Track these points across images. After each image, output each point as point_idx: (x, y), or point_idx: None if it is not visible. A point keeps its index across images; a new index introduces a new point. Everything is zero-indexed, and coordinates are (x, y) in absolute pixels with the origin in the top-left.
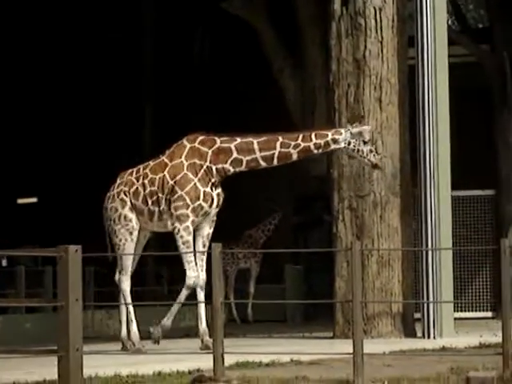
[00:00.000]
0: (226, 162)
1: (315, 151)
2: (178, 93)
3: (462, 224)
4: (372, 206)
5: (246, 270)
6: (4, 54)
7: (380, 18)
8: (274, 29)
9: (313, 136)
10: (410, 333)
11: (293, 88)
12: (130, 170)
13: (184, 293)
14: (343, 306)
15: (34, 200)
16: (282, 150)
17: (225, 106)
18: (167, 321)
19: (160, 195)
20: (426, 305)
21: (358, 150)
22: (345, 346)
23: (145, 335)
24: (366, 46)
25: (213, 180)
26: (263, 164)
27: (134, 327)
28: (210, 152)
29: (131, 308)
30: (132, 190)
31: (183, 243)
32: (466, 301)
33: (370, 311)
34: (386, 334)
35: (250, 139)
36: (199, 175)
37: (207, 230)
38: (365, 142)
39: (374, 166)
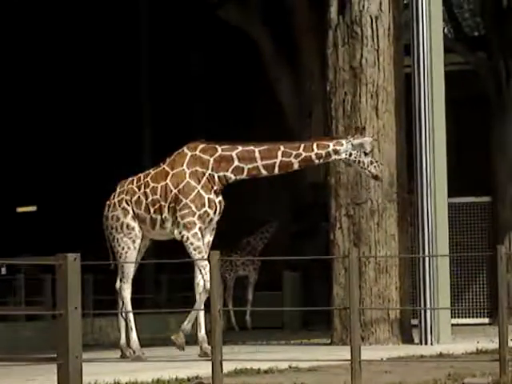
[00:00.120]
0: (227, 170)
1: (316, 161)
2: (175, 99)
3: (459, 231)
4: (369, 214)
5: (244, 278)
6: (2, 58)
7: (376, 26)
8: (270, 37)
9: (314, 146)
10: (407, 339)
11: (289, 96)
12: (131, 179)
13: (202, 297)
14: (341, 312)
15: (33, 209)
16: (284, 159)
17: (223, 112)
18: (187, 325)
19: (163, 203)
20: (423, 311)
21: (359, 162)
22: (343, 353)
23: (144, 343)
24: (362, 55)
25: (215, 188)
26: (264, 172)
27: (133, 335)
28: (211, 160)
29: (131, 316)
30: (134, 199)
31: (194, 249)
32: (463, 307)
33: (368, 318)
34: (384, 340)
35: (252, 147)
36: (202, 182)
37: (208, 237)
38: (366, 154)
39: (375, 178)
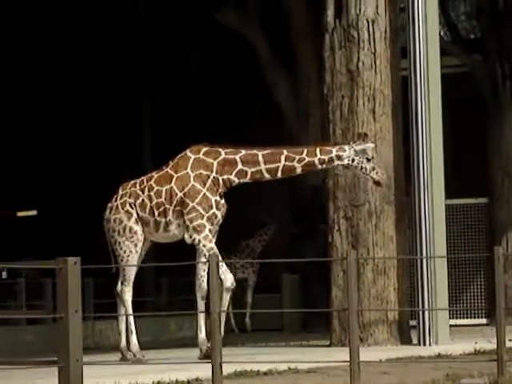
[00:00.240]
0: (231, 174)
1: (319, 166)
2: (175, 100)
3: (456, 232)
4: (367, 216)
5: (243, 280)
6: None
7: (373, 29)
8: (267, 41)
9: (317, 151)
10: (405, 340)
11: (287, 100)
12: (133, 182)
13: (225, 297)
14: (339, 314)
15: (33, 213)
16: (287, 163)
17: (222, 113)
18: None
19: (167, 206)
20: (421, 312)
21: (362, 168)
22: (341, 354)
23: (144, 346)
24: (359, 58)
25: (219, 190)
26: (267, 176)
27: (133, 338)
28: (215, 163)
29: (131, 319)
30: (138, 202)
31: (208, 250)
32: (461, 308)
33: (366, 319)
34: (382, 341)
35: (255, 151)
36: (207, 185)
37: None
38: (368, 160)
39: (377, 184)
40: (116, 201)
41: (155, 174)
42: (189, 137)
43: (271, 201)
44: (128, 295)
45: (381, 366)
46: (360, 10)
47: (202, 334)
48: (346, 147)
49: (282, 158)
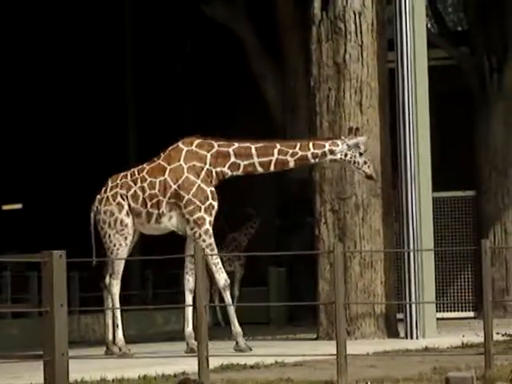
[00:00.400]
0: (224, 166)
1: (312, 160)
2: (160, 95)
3: (444, 225)
4: (354, 209)
5: (230, 273)
6: None
7: (360, 22)
8: (255, 34)
9: (310, 145)
10: (393, 333)
11: (274, 93)
12: (124, 173)
13: (226, 295)
14: (326, 307)
15: (18, 206)
16: (280, 157)
17: (208, 108)
18: (235, 328)
19: (161, 198)
20: (408, 305)
21: (355, 162)
22: (328, 348)
23: (130, 339)
24: (346, 50)
25: (213, 183)
26: (260, 170)
27: (119, 333)
28: (208, 155)
29: (118, 313)
30: (130, 193)
31: (207, 246)
32: (448, 301)
33: (353, 312)
34: (370, 334)
35: (248, 144)
36: (201, 177)
37: None
38: (360, 154)
39: (369, 177)
40: (106, 192)
41: (147, 166)
42: (175, 131)
43: (257, 194)
44: (116, 288)
45: (368, 360)
46: (347, 2)
47: (189, 328)
48: (339, 141)
49: (275, 151)
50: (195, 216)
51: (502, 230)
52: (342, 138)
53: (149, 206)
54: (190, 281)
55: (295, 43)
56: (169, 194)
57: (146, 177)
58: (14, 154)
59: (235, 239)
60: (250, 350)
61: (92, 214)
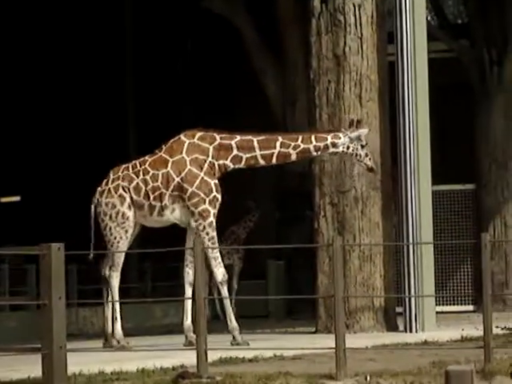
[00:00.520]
0: (226, 159)
1: (314, 153)
2: (161, 93)
3: (443, 218)
4: (353, 202)
5: (229, 266)
6: None
7: (359, 14)
8: (254, 27)
9: (312, 138)
10: (392, 327)
11: (274, 86)
12: (125, 166)
13: (223, 290)
14: (325, 301)
15: (17, 199)
16: (282, 149)
17: (208, 101)
18: (232, 323)
19: (163, 191)
20: (407, 299)
21: (356, 155)
22: (327, 341)
23: (129, 332)
24: (345, 43)
25: (216, 175)
26: (262, 162)
27: (118, 325)
28: (211, 148)
29: (117, 306)
30: (132, 185)
31: (209, 239)
32: (448, 295)
33: (353, 306)
34: (369, 328)
35: (250, 137)
36: (204, 169)
37: None
38: (362, 146)
39: (370, 170)
40: (108, 184)
41: (149, 158)
42: (175, 125)
43: (257, 187)
44: (116, 281)
45: (367, 353)
46: None
47: (188, 321)
48: (341, 134)
49: (278, 144)
50: (200, 208)
51: (502, 224)
52: (344, 130)
53: (151, 198)
54: (189, 274)
55: (295, 37)
56: (172, 187)
57: (149, 169)
58: (12, 146)
59: (234, 232)
60: (248, 344)
61: (92, 206)
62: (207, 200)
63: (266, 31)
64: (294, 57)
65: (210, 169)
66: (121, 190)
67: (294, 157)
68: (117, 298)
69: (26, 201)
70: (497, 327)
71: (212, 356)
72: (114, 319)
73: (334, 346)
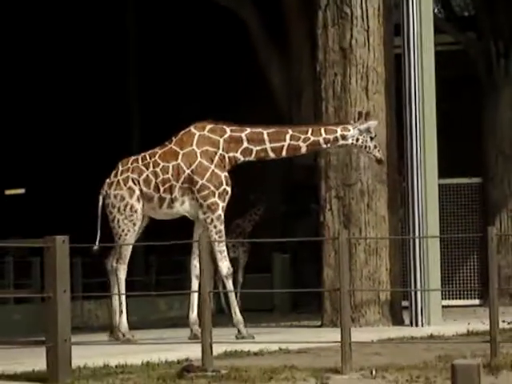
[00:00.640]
0: (236, 151)
1: (324, 146)
2: (165, 85)
3: (449, 212)
4: (359, 195)
5: (234, 260)
6: None
7: (366, 6)
8: (260, 19)
9: (322, 131)
10: (397, 321)
11: (279, 78)
12: (134, 157)
13: (228, 283)
14: (331, 294)
15: (21, 191)
16: (292, 142)
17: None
18: (237, 316)
19: (174, 183)
20: (413, 293)
21: (366, 147)
22: (333, 335)
23: (133, 325)
24: (352, 35)
25: (226, 168)
26: (272, 155)
27: (123, 318)
28: (221, 140)
29: (123, 298)
30: (142, 178)
31: (216, 233)
32: (454, 289)
33: (358, 300)
34: (374, 322)
35: (260, 130)
36: (215, 162)
37: None
38: (371, 138)
39: (379, 161)
40: (117, 176)
41: (158, 150)
42: (179, 117)
43: (263, 180)
44: (123, 273)
45: (372, 347)
46: None
47: (194, 314)
48: (350, 126)
49: (287, 136)
50: (209, 201)
51: (509, 217)
52: (352, 122)
53: (161, 190)
54: (196, 267)
55: (301, 30)
56: (182, 179)
57: (159, 161)
58: (17, 139)
59: (239, 226)
60: (253, 338)
61: (101, 198)
62: (217, 193)
63: (272, 24)
64: (300, 49)
65: (220, 161)
66: (130, 183)
67: (304, 149)
68: (123, 290)
69: (30, 193)
70: (503, 321)
71: (217, 349)
72: (119, 312)
73: (339, 339)
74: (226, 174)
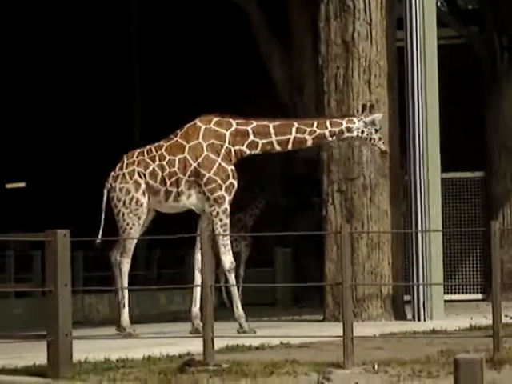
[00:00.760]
0: (242, 144)
1: (330, 138)
2: (167, 79)
3: (452, 206)
4: (361, 189)
5: (236, 254)
6: None
7: None
8: (262, 12)
9: (328, 123)
10: (400, 315)
11: (281, 72)
12: (139, 150)
13: (231, 277)
14: (333, 288)
15: (22, 185)
16: (298, 135)
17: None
18: (238, 311)
19: (180, 176)
20: (416, 287)
21: (371, 139)
22: (335, 329)
23: (135, 319)
24: (354, 28)
25: (232, 161)
26: (278, 148)
27: (125, 312)
28: (227, 133)
29: (126, 292)
30: (148, 171)
31: (221, 226)
32: (456, 283)
33: (360, 294)
34: (376, 316)
35: (266, 123)
36: (221, 155)
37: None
38: (376, 130)
39: (383, 153)
40: (122, 169)
41: (164, 143)
42: (181, 110)
43: (264, 174)
44: (126, 267)
45: (374, 342)
46: None
47: (196, 308)
48: (355, 119)
49: (293, 129)
50: (216, 194)
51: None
52: (357, 115)
53: (168, 184)
54: (199, 260)
55: (303, 23)
56: (188, 172)
57: (165, 154)
58: (18, 133)
59: (241, 220)
60: (254, 332)
61: (105, 191)
62: (223, 186)
63: (274, 17)
64: (302, 42)
65: (226, 155)
66: (136, 176)
67: (309, 142)
68: (126, 284)
69: (31, 187)
70: (506, 316)
71: (218, 344)
72: (121, 306)
73: (341, 334)
74: (233, 167)
